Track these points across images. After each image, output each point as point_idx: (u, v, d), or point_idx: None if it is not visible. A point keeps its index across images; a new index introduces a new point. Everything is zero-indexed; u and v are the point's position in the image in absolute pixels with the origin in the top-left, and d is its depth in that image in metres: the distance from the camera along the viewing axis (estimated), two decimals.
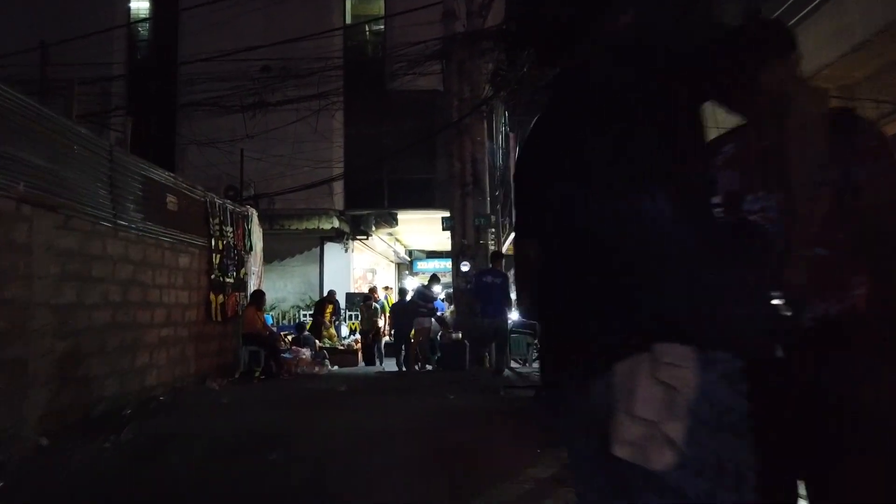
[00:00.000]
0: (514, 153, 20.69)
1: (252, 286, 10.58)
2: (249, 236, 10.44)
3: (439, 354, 11.38)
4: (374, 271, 24.35)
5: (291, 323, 16.68)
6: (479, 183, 11.02)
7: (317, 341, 11.88)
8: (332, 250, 18.86)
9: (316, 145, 18.24)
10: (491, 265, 9.86)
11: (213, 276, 9.01)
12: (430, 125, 18.20)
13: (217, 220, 9.22)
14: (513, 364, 11.55)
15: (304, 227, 17.52)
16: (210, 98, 13.13)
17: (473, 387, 8.21)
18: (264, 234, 18.76)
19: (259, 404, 7.32)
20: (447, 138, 14.83)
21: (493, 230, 11.83)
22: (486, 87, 11.19)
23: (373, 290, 17.59)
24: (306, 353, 10.58)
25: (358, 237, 19.06)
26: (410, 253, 27.60)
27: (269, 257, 18.88)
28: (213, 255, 9.04)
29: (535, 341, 12.63)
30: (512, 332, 11.82)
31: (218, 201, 9.36)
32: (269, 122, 16.64)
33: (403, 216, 19.00)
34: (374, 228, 18.70)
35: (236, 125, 17.80)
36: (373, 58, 19.26)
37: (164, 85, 17.90)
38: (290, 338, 11.79)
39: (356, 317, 18.09)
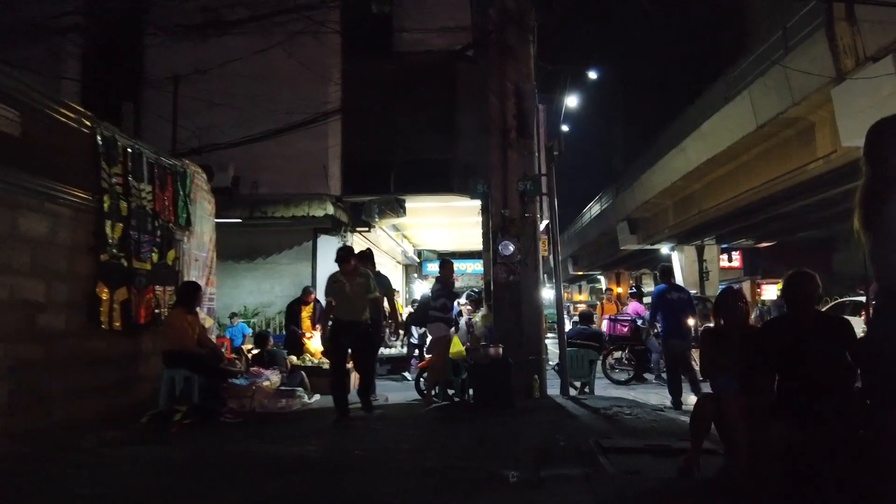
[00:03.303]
0: (543, 128, 16.88)
1: (197, 280, 6.83)
2: (185, 204, 6.67)
3: (464, 376, 7.59)
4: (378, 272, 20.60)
5: (277, 333, 12.96)
6: (526, 129, 7.28)
7: (292, 358, 8.11)
8: (327, 244, 15.10)
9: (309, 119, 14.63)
10: (664, 282, 7.71)
11: (103, 257, 5.26)
12: (450, 96, 14.54)
13: (117, 169, 5.47)
14: (570, 391, 7.73)
15: (291, 215, 13.79)
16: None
17: (546, 447, 4.44)
18: (246, 225, 15.10)
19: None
20: (473, 97, 11.27)
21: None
22: None
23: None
24: (272, 377, 6.83)
25: (358, 229, 15.32)
26: (420, 253, 23.88)
27: (254, 254, 15.21)
28: (108, 222, 5.30)
29: (602, 357, 8.85)
30: (569, 343, 8.02)
31: (121, 139, 5.62)
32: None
33: (413, 204, 15.24)
34: (377, 218, 14.94)
35: (214, 96, 14.27)
36: (378, 15, 15.57)
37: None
38: (253, 353, 8.00)
39: None
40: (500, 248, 7.02)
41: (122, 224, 5.48)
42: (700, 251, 26.35)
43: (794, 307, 3.38)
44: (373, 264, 7.28)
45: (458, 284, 20.82)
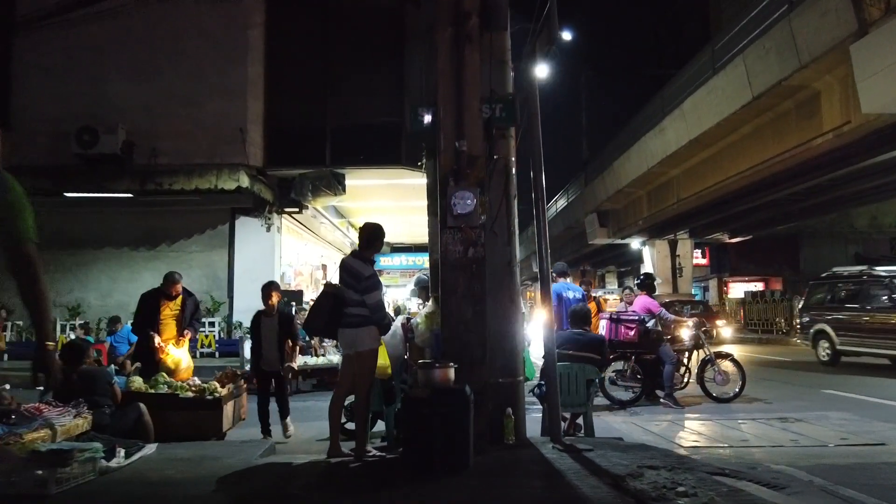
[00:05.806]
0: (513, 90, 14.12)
1: None
2: None
3: (398, 406, 4.74)
4: (324, 266, 17.58)
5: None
6: (497, 17, 4.47)
7: (134, 381, 5.08)
8: (248, 228, 12.07)
9: (224, 76, 11.59)
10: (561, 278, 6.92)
11: None
12: (398, 48, 11.68)
13: None
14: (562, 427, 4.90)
15: (193, 187, 10.71)
16: None
17: None
18: (146, 203, 12.02)
19: None
20: (426, 49, 8.41)
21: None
22: None
23: None
24: (63, 419, 3.85)
25: (287, 209, 12.33)
26: None
27: (155, 239, 11.99)
28: None
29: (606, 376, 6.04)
30: (557, 355, 5.17)
31: None
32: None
33: (354, 181, 12.31)
34: (310, 197, 11.95)
35: (99, 47, 11.27)
36: None
37: None
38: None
39: None
40: (452, 201, 4.15)
41: None
42: (673, 246, 24.04)
43: None
44: None
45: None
